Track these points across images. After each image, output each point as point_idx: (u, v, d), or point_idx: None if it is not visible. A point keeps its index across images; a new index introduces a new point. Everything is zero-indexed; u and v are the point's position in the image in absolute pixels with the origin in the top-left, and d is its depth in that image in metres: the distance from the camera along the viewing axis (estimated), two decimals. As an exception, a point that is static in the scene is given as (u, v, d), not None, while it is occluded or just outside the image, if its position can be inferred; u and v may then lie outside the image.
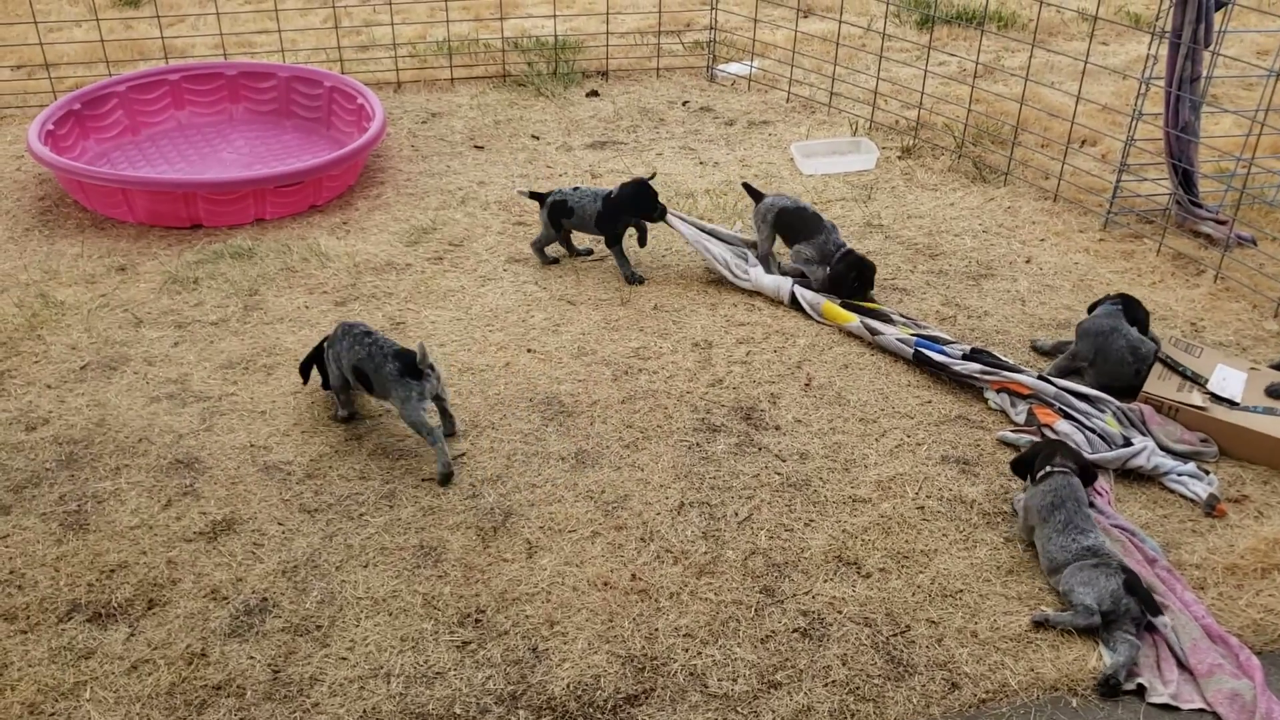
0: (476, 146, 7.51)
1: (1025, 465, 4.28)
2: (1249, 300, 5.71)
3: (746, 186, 6.16)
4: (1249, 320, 5.56)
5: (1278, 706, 3.44)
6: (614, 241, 5.89)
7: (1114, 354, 4.92)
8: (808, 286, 5.68)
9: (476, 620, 3.78)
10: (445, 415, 4.64)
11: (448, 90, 8.46)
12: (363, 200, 6.72)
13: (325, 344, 4.76)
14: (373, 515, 4.24)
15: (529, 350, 5.27)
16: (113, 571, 3.97)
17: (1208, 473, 4.49)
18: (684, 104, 8.35)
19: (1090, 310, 5.18)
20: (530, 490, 4.38)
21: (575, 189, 5.96)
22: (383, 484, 4.40)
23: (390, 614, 3.81)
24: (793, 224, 5.81)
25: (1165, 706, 3.51)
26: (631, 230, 5.98)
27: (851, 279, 5.56)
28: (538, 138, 7.67)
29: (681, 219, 5.94)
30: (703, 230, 5.98)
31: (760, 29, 8.87)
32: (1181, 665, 3.65)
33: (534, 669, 3.60)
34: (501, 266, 6.01)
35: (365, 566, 4.01)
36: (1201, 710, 3.50)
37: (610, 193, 5.85)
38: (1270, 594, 3.91)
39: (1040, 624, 3.78)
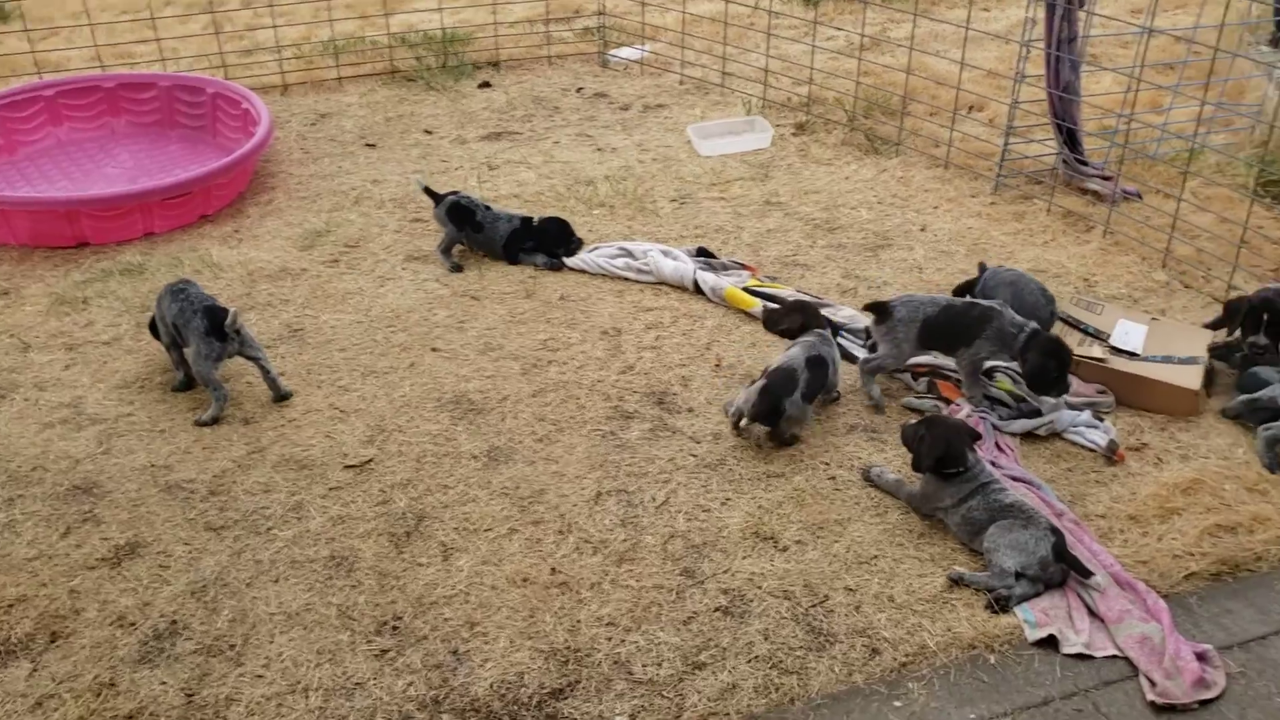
0: (368, 145, 7.38)
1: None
2: (1138, 253, 5.87)
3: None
4: (1139, 272, 5.72)
5: (1185, 646, 3.55)
6: (520, 258, 5.87)
7: (1029, 296, 5.02)
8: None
9: (394, 627, 3.72)
10: (270, 381, 4.81)
11: (336, 90, 8.30)
12: (254, 207, 6.56)
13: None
14: (281, 529, 4.14)
15: (434, 349, 5.19)
16: (11, 606, 3.81)
17: (1102, 419, 4.61)
18: (578, 91, 8.30)
19: (962, 293, 5.22)
20: (443, 492, 4.32)
21: (488, 208, 5.89)
22: (289, 496, 4.30)
23: (305, 628, 3.72)
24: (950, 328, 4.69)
25: (1080, 656, 3.59)
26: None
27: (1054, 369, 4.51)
28: (430, 132, 7.56)
29: (582, 258, 5.90)
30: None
31: (649, 12, 8.86)
32: (1093, 614, 3.74)
33: (456, 672, 3.55)
34: (400, 265, 5.91)
35: (276, 581, 3.91)
36: (1114, 656, 3.58)
37: (530, 220, 5.86)
38: (1173, 538, 4.03)
39: (955, 582, 3.84)
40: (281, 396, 4.83)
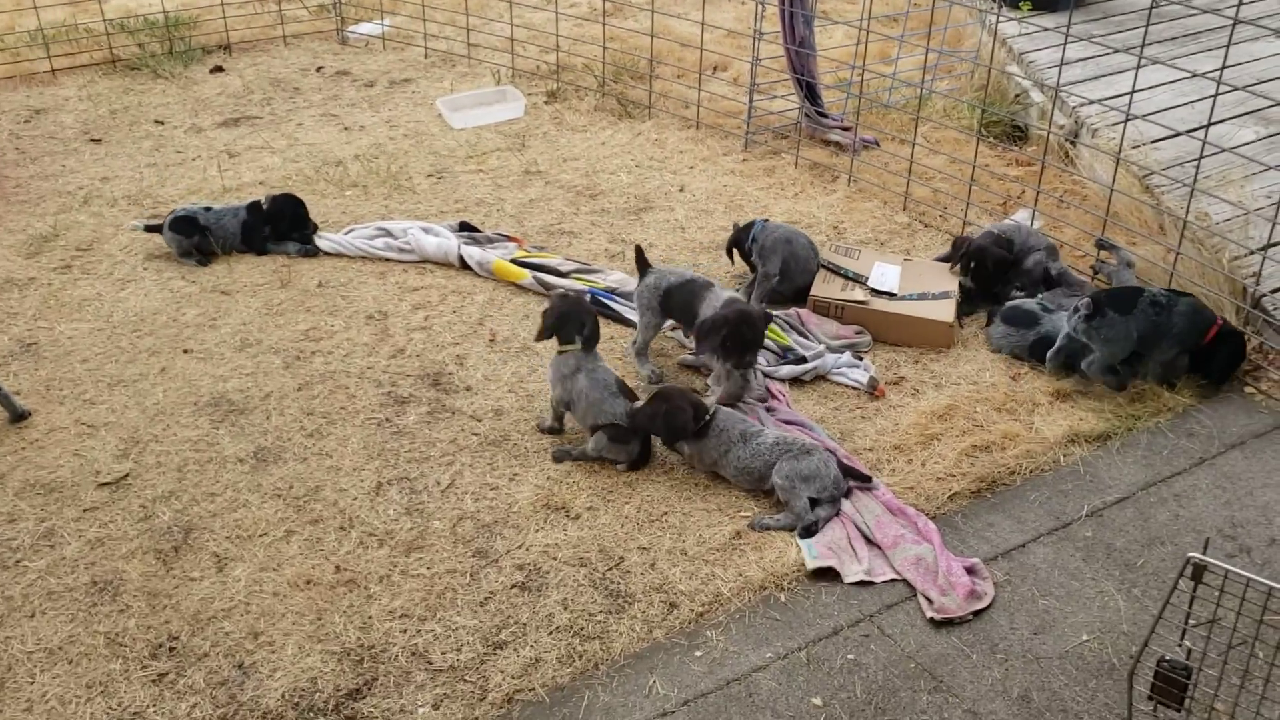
0: (93, 140, 6.85)
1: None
2: (880, 198, 6.17)
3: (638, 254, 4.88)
4: (883, 216, 6.01)
5: (955, 562, 3.77)
6: (269, 248, 5.59)
7: (801, 253, 5.18)
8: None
9: (171, 649, 3.48)
10: (3, 401, 4.45)
11: (50, 84, 7.65)
12: (-35, 215, 5.98)
13: None
14: (32, 559, 3.80)
15: (186, 351, 4.88)
16: None
17: (861, 358, 4.83)
18: (318, 70, 7.97)
19: (737, 247, 5.35)
20: (210, 500, 4.07)
21: (207, 208, 5.56)
22: (38, 523, 3.95)
23: (70, 661, 3.44)
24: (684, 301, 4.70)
25: (862, 583, 3.75)
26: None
27: (723, 336, 4.39)
28: (162, 122, 7.09)
29: (338, 240, 5.67)
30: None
31: (387, -14, 8.60)
32: (870, 542, 3.92)
33: (243, 686, 3.37)
34: (141, 266, 5.52)
35: (32, 616, 3.59)
36: (893, 580, 3.77)
37: (258, 204, 5.57)
38: (935, 462, 4.27)
39: (760, 529, 3.94)
40: (18, 416, 4.44)
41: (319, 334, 5.01)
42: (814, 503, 3.96)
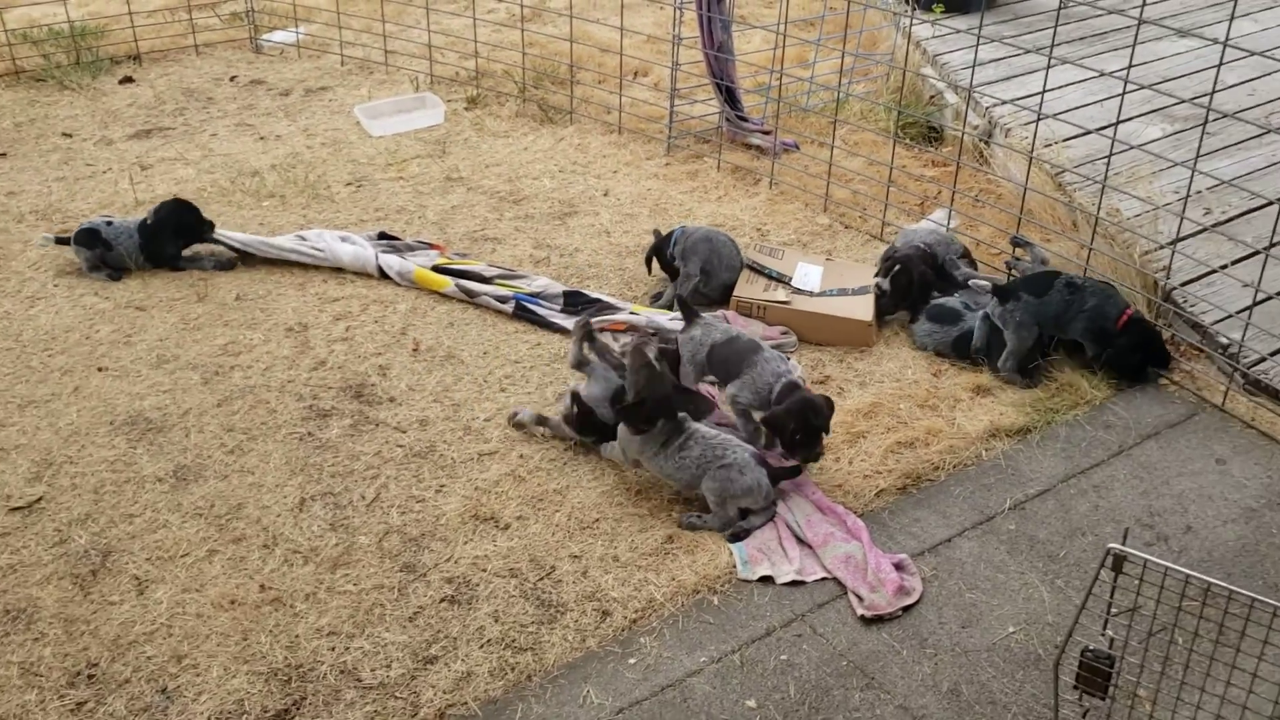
0: (-3, 154, 6.65)
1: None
2: (801, 200, 6.22)
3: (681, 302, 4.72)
4: (804, 218, 6.06)
5: (884, 558, 3.81)
6: (181, 263, 5.45)
7: (723, 250, 5.19)
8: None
9: (90, 676, 3.38)
10: None
11: (-52, 95, 7.40)
12: None
13: None
14: (-61, 590, 3.67)
15: (100, 369, 4.75)
16: None
17: (788, 359, 4.86)
18: (232, 79, 7.82)
19: (657, 256, 5.34)
20: (128, 522, 3.96)
21: (109, 221, 5.42)
22: (-54, 552, 3.82)
23: (-18, 696, 3.32)
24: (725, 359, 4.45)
25: (794, 583, 3.77)
26: None
27: (792, 431, 4.11)
28: (70, 135, 6.90)
29: (228, 234, 5.55)
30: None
31: (301, -7, 8.47)
32: (801, 541, 3.95)
33: (167, 711, 3.28)
34: (51, 282, 5.36)
35: (-59, 650, 3.46)
36: (824, 578, 3.80)
37: (144, 220, 5.43)
38: (861, 460, 4.31)
39: (688, 528, 3.94)
40: None
41: (238, 348, 4.91)
42: (746, 511, 3.98)
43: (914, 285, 5.07)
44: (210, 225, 5.50)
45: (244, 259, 5.55)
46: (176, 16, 8.48)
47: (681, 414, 4.03)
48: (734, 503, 3.95)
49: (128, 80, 7.73)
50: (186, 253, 5.52)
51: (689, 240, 5.20)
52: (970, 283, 4.84)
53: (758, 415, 4.32)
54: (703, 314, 4.68)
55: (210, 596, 3.66)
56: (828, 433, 4.17)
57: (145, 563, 3.79)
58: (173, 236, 5.42)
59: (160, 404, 4.55)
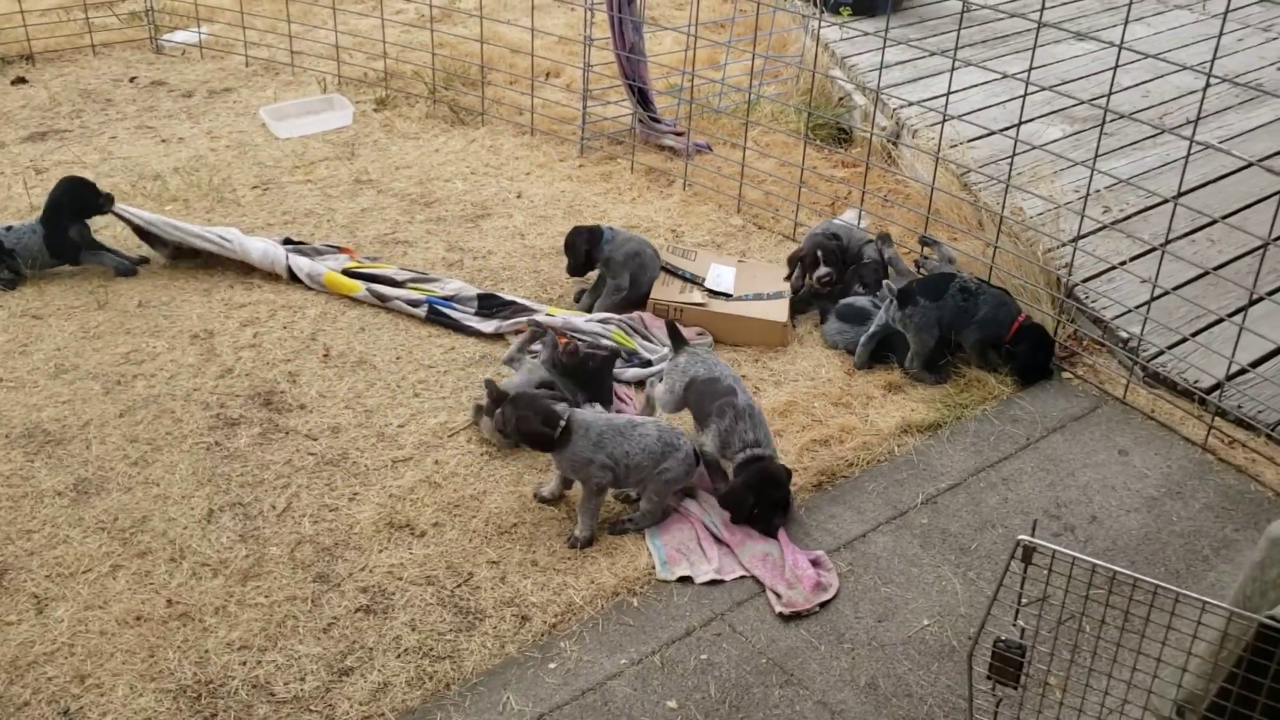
0: (-121, 157, 6.37)
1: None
2: (715, 201, 6.25)
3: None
4: (718, 219, 6.09)
5: (801, 555, 3.84)
6: (83, 257, 5.27)
7: (650, 262, 5.20)
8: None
9: (-14, 701, 3.26)
10: None
11: None
12: None
13: None
14: None
15: (-6, 380, 4.58)
16: None
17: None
18: (132, 80, 7.60)
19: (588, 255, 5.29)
20: (26, 538, 3.81)
21: (8, 228, 5.22)
22: None
23: None
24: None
25: (713, 583, 3.78)
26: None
27: (750, 506, 3.97)
28: (-42, 138, 6.64)
29: (130, 209, 5.39)
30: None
31: (202, -9, 8.26)
32: (719, 540, 3.96)
33: (70, 734, 3.17)
34: (-60, 292, 5.16)
35: None
36: (742, 577, 3.81)
37: (40, 217, 5.26)
38: (780, 459, 4.33)
39: (620, 532, 3.94)
40: None
41: (140, 356, 4.77)
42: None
43: (839, 257, 5.18)
44: (109, 198, 5.33)
45: (144, 266, 5.40)
46: (71, 15, 8.22)
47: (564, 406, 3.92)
48: (668, 489, 3.96)
49: (20, 81, 7.47)
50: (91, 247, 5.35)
51: (618, 252, 5.16)
52: (883, 283, 4.91)
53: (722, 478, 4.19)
54: (695, 348, 4.51)
55: (114, 613, 3.54)
56: (789, 505, 4.03)
57: (44, 580, 3.66)
58: (72, 217, 5.23)
59: (59, 415, 4.40)
